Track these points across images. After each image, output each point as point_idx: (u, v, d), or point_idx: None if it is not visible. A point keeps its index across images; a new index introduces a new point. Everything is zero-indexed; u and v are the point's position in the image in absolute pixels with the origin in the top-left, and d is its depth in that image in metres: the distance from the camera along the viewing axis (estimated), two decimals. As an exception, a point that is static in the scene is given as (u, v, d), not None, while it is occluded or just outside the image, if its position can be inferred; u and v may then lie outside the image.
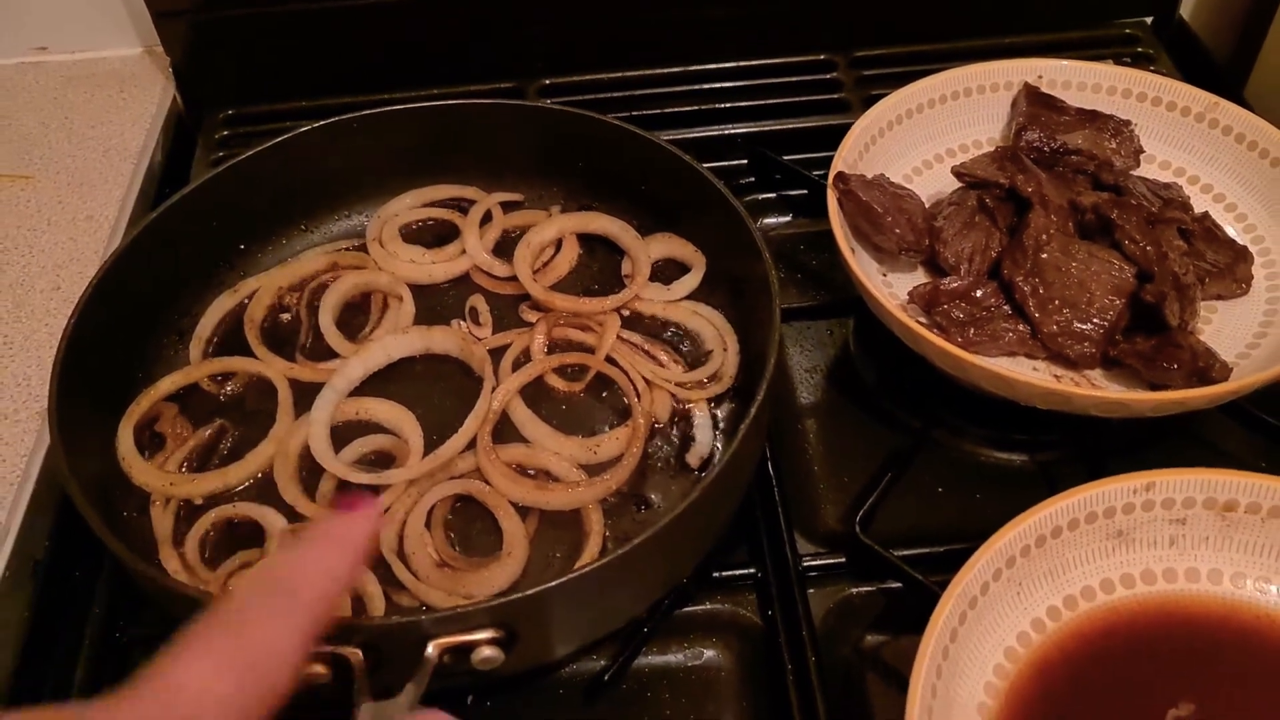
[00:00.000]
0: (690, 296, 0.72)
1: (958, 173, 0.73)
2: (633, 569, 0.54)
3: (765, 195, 0.86)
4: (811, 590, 0.64)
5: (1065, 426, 0.68)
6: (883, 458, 0.69)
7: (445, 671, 0.52)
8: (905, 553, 0.63)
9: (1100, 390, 0.63)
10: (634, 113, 0.88)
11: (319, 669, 0.51)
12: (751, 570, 0.64)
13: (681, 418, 0.67)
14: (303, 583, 0.38)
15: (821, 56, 0.94)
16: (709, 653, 0.63)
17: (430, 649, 0.51)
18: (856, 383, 0.75)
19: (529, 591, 0.51)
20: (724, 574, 0.64)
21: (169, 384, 0.68)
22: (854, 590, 0.64)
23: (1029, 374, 0.63)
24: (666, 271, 0.74)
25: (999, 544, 0.55)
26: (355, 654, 0.50)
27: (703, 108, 0.90)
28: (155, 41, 0.93)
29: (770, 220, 0.85)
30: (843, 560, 0.65)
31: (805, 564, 0.64)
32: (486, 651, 0.51)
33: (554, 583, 0.51)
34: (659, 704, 0.61)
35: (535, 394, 0.68)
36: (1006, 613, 0.56)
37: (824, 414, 0.74)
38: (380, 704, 0.48)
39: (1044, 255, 0.67)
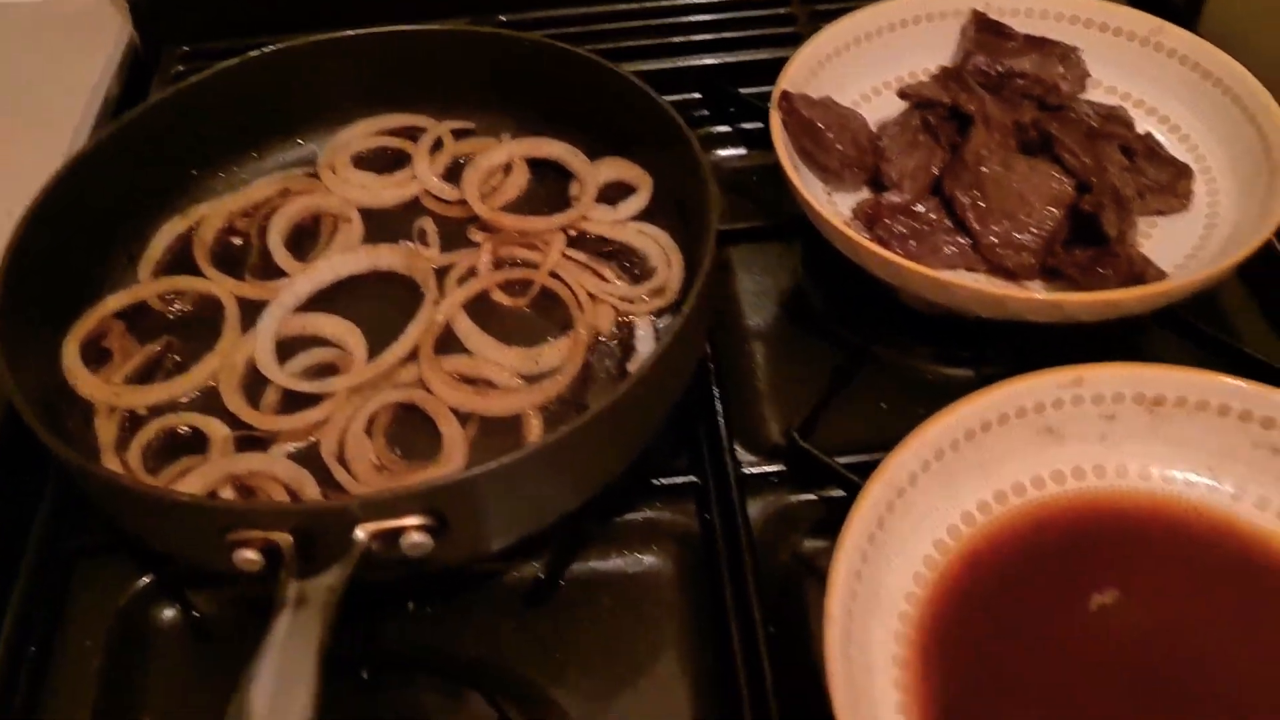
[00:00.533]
0: (638, 218, 0.73)
1: (903, 93, 0.74)
2: (563, 459, 0.54)
3: (720, 129, 0.87)
4: (752, 500, 0.64)
5: (1008, 340, 0.69)
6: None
7: (376, 561, 0.52)
8: (845, 460, 0.63)
9: (1034, 294, 0.64)
10: (589, 47, 0.88)
11: (250, 555, 0.51)
12: (692, 478, 0.65)
13: (624, 330, 0.67)
14: None
15: (776, -9, 0.95)
16: (649, 559, 0.64)
17: (359, 533, 0.51)
18: (804, 306, 0.76)
19: (458, 476, 0.52)
20: (664, 481, 0.65)
21: (116, 301, 0.68)
22: (794, 499, 0.65)
23: (961, 277, 0.63)
24: (615, 195, 0.74)
25: (926, 435, 0.55)
26: (286, 539, 0.51)
27: (658, 42, 0.91)
28: (114, -18, 0.94)
29: (724, 152, 0.86)
30: (782, 469, 0.65)
31: (745, 472, 0.65)
32: (415, 537, 0.51)
33: (483, 468, 0.51)
34: (599, 609, 0.62)
35: (481, 310, 0.68)
36: (936, 505, 0.56)
37: (771, 336, 0.74)
38: (304, 581, 0.49)
39: (985, 170, 0.67)
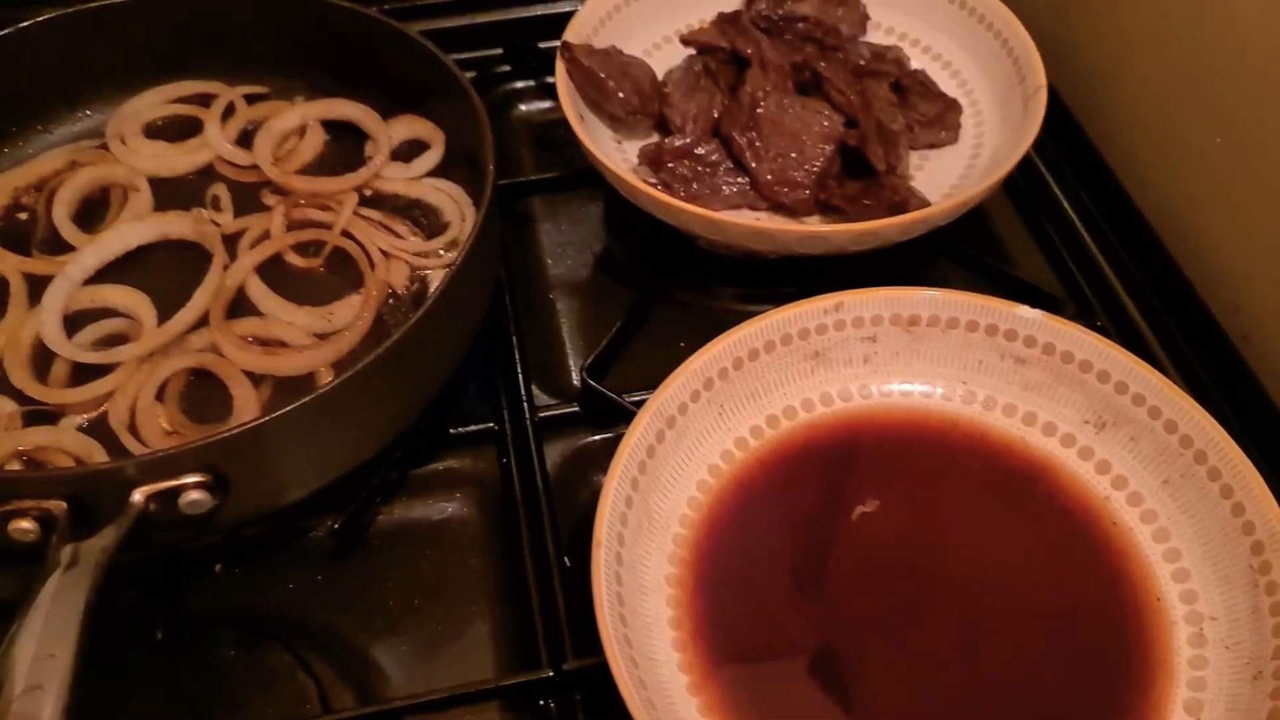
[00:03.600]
0: (433, 174, 0.74)
1: (685, 39, 0.76)
2: (344, 408, 0.55)
3: (524, 83, 0.88)
4: (551, 442, 0.66)
5: (806, 279, 0.72)
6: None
7: (158, 522, 0.53)
8: (639, 397, 0.65)
9: (800, 225, 0.67)
10: (380, 6, 0.88)
11: (25, 526, 0.51)
12: (490, 425, 0.67)
13: (419, 285, 0.68)
14: None
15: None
16: (451, 507, 0.65)
17: (136, 496, 0.51)
18: (607, 254, 0.78)
19: (234, 430, 0.52)
20: (463, 430, 0.67)
21: (-104, 283, 0.67)
22: (591, 439, 0.67)
23: (735, 216, 0.66)
24: (411, 153, 0.75)
25: (694, 366, 0.58)
26: (60, 506, 0.51)
27: (455, -2, 0.91)
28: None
29: (528, 107, 0.87)
30: (577, 409, 0.67)
31: (541, 416, 0.66)
32: (193, 495, 0.52)
33: (254, 421, 0.52)
34: (406, 559, 0.63)
35: (276, 273, 0.68)
36: (710, 433, 0.59)
37: (573, 284, 0.76)
38: (77, 544, 0.49)
39: (760, 110, 0.70)
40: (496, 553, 0.63)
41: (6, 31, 0.72)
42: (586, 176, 0.79)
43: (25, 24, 0.72)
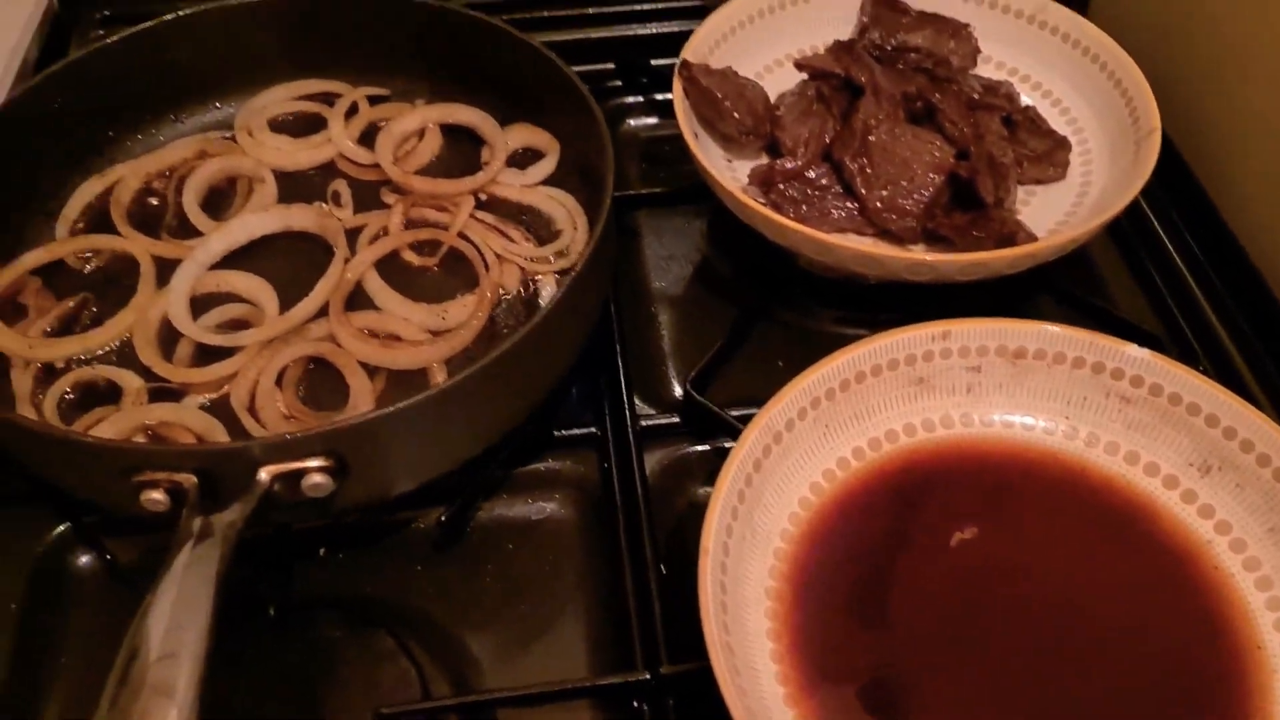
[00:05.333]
0: (546, 183, 0.76)
1: (799, 64, 0.77)
2: (460, 405, 0.57)
3: (633, 99, 0.90)
4: (650, 451, 0.67)
5: (905, 304, 0.73)
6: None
7: (279, 502, 0.55)
8: (739, 412, 0.67)
9: (909, 253, 0.67)
10: (506, 16, 0.90)
11: (156, 496, 0.53)
12: (593, 430, 0.68)
13: (530, 289, 0.70)
14: None
15: (687, -35, 0.98)
16: (551, 507, 0.66)
17: (262, 474, 0.53)
18: (710, 270, 0.79)
19: (357, 419, 0.54)
20: (566, 433, 0.68)
21: (33, 258, 0.70)
22: (690, 449, 0.68)
23: (845, 239, 0.67)
24: (526, 161, 0.77)
25: (802, 385, 0.59)
26: (190, 480, 0.53)
27: (573, 13, 0.93)
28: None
29: (636, 122, 0.89)
30: (677, 420, 0.68)
31: (644, 424, 0.68)
32: (316, 478, 0.54)
33: (379, 411, 0.54)
34: (505, 555, 0.65)
35: (391, 269, 0.71)
36: (813, 451, 0.60)
37: (676, 297, 0.77)
38: (207, 517, 0.51)
39: (872, 138, 0.71)
40: (593, 554, 0.64)
41: (147, 25, 0.75)
42: (692, 193, 0.80)
43: (168, 17, 0.75)
